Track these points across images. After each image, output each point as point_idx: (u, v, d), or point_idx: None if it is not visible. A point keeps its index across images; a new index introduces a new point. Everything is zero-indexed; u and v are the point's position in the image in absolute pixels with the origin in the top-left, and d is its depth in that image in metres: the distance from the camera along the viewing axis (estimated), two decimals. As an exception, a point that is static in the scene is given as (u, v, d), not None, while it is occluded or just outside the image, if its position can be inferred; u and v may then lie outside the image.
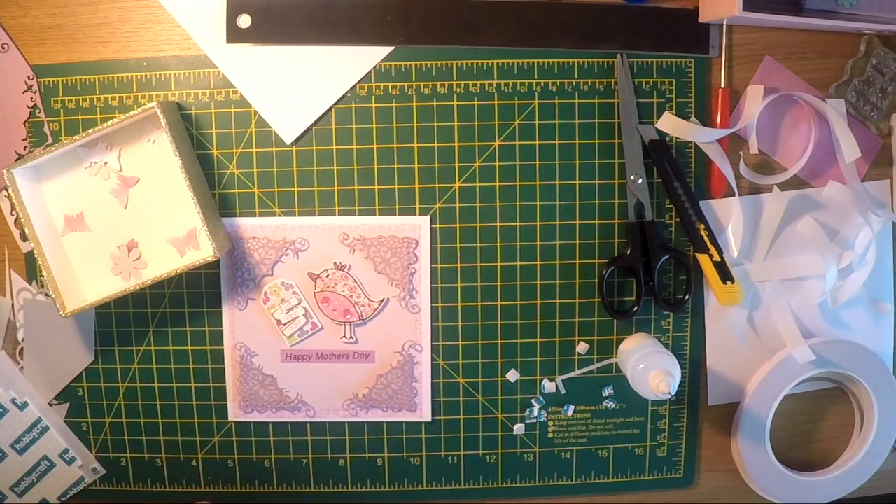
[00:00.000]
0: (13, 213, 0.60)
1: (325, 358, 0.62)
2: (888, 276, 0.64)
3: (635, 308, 0.61)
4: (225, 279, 0.61)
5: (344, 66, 0.59)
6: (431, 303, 0.61)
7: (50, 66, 0.59)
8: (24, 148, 0.60)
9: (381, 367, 0.62)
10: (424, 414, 0.63)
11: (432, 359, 0.62)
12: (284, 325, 0.61)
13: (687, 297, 0.61)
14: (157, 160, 0.58)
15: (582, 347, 0.62)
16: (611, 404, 0.63)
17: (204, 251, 0.58)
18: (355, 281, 0.61)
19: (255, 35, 0.59)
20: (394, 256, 0.61)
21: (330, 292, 0.61)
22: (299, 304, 0.61)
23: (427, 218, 0.61)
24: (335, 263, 0.61)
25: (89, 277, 0.59)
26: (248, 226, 0.60)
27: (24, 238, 0.60)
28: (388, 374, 0.62)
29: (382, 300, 0.61)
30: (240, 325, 0.61)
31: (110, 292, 0.56)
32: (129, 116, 0.55)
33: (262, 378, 0.62)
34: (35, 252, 0.56)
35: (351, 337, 0.62)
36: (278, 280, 0.61)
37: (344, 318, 0.61)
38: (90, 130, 0.55)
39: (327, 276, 0.61)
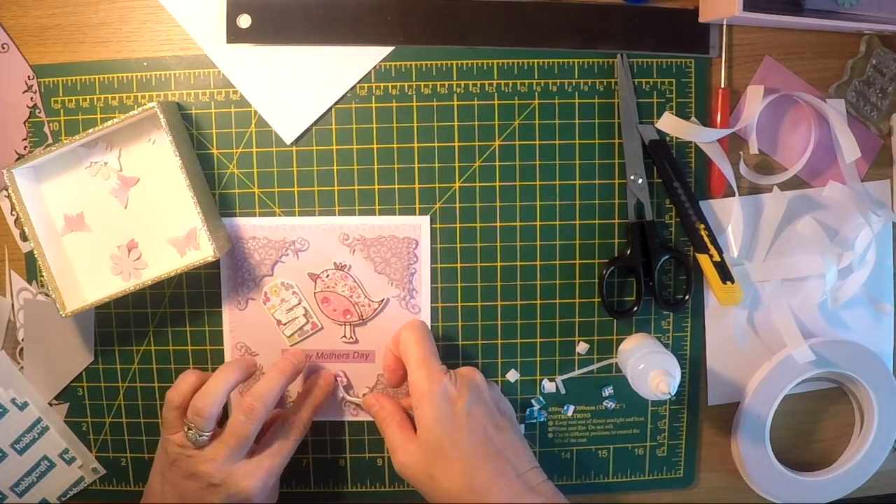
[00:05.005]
0: (13, 213, 0.60)
1: (325, 358, 0.62)
2: (888, 276, 0.64)
3: (635, 308, 0.61)
4: (225, 279, 0.61)
5: (344, 66, 0.59)
6: (431, 303, 0.61)
7: (50, 66, 0.59)
8: (24, 148, 0.60)
9: (381, 367, 0.62)
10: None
11: (432, 359, 0.62)
12: (284, 325, 0.61)
13: (687, 297, 0.61)
14: (157, 160, 0.58)
15: (582, 347, 0.62)
16: (611, 404, 0.63)
17: (204, 251, 0.58)
18: (355, 281, 0.61)
19: (255, 35, 0.59)
20: (394, 256, 0.61)
21: (330, 292, 0.61)
22: (299, 304, 0.61)
23: (427, 218, 0.61)
24: (335, 263, 0.61)
25: (89, 277, 0.59)
26: (248, 226, 0.60)
27: (24, 238, 0.60)
28: None
29: (382, 300, 0.61)
30: (240, 325, 0.61)
31: (110, 292, 0.56)
32: (129, 116, 0.55)
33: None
34: (35, 252, 0.56)
35: (351, 337, 0.62)
36: (278, 280, 0.61)
37: (344, 318, 0.61)
38: (90, 130, 0.55)
39: (327, 276, 0.61)
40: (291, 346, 0.62)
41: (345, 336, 0.62)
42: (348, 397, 0.61)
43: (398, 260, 0.61)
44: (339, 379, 0.62)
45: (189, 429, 0.54)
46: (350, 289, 0.61)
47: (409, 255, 0.61)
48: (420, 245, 0.61)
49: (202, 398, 0.54)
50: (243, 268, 0.61)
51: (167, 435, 0.56)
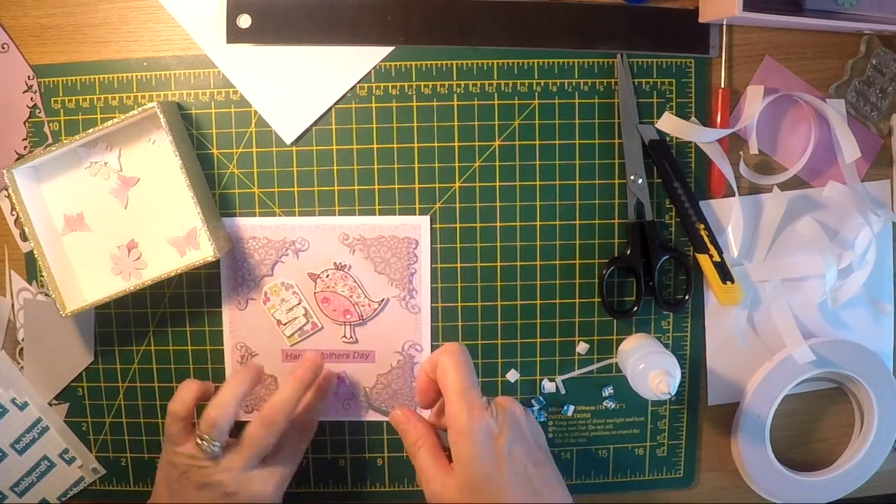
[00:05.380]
0: (13, 213, 0.60)
1: (325, 358, 0.62)
2: (888, 276, 0.64)
3: (635, 308, 0.61)
4: (225, 279, 0.61)
5: (344, 66, 0.59)
6: (431, 303, 0.61)
7: (50, 66, 0.59)
8: (24, 148, 0.60)
9: (381, 366, 0.62)
10: (424, 414, 0.62)
11: (432, 359, 0.62)
12: (284, 325, 0.61)
13: (687, 297, 0.61)
14: (157, 160, 0.58)
15: (582, 347, 0.62)
16: (611, 404, 0.63)
17: (204, 251, 0.58)
18: (355, 281, 0.61)
19: (255, 35, 0.59)
20: (394, 256, 0.61)
21: (330, 292, 0.61)
22: (299, 304, 0.61)
23: (427, 218, 0.61)
24: (335, 263, 0.61)
25: (89, 277, 0.59)
26: (248, 226, 0.60)
27: (24, 238, 0.60)
28: (389, 374, 0.62)
29: (382, 300, 0.61)
30: (240, 325, 0.61)
31: (110, 292, 0.56)
32: (129, 116, 0.55)
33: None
34: (35, 252, 0.56)
35: (351, 337, 0.62)
36: (278, 280, 0.61)
37: (344, 318, 0.61)
38: (90, 130, 0.55)
39: (327, 276, 0.61)
40: (291, 346, 0.62)
41: (345, 336, 0.62)
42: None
43: (398, 260, 0.61)
44: (341, 377, 0.62)
45: (203, 440, 0.52)
46: (350, 289, 0.61)
47: (409, 255, 0.61)
48: (420, 245, 0.61)
49: (217, 409, 0.53)
50: (243, 268, 0.61)
51: (173, 448, 0.54)
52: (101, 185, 0.59)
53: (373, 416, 0.63)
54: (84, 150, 0.58)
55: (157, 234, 0.59)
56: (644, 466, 0.64)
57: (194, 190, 0.55)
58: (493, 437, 0.48)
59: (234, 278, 0.61)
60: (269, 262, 0.61)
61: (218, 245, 0.56)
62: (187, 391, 0.55)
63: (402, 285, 0.61)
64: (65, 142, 0.56)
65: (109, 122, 0.55)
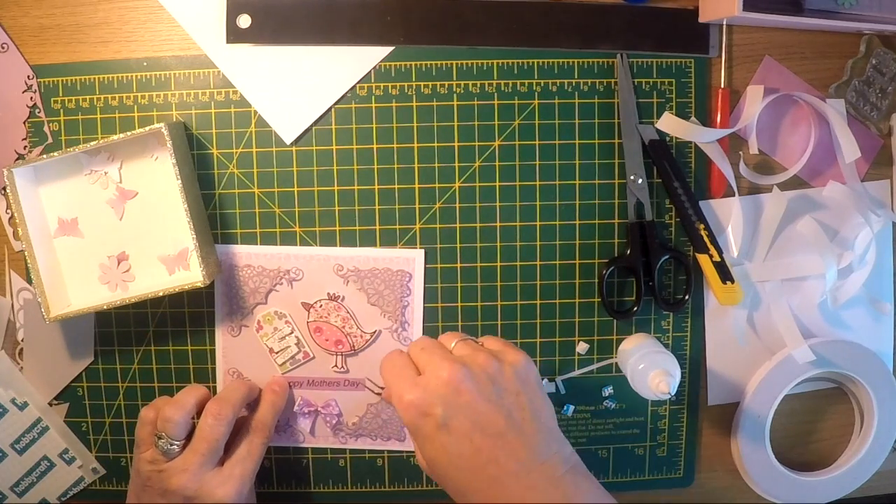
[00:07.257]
0: (7, 210, 0.60)
1: (315, 386, 0.62)
2: (888, 276, 0.64)
3: (635, 308, 0.61)
4: (219, 305, 0.61)
5: (344, 66, 0.59)
6: (429, 302, 0.61)
7: (50, 66, 0.59)
8: (24, 148, 0.60)
9: (372, 396, 0.62)
10: (412, 443, 0.62)
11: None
12: (277, 353, 0.61)
13: (687, 297, 0.61)
14: (158, 178, 0.58)
15: (582, 347, 0.62)
16: (611, 404, 0.63)
17: (193, 273, 0.58)
18: (348, 312, 0.61)
19: (255, 35, 0.59)
20: (387, 289, 0.61)
21: (322, 322, 0.61)
22: (292, 333, 0.61)
23: (421, 252, 0.60)
24: (329, 294, 0.61)
25: (76, 283, 0.59)
26: (244, 253, 0.60)
27: (16, 237, 0.60)
28: (379, 403, 0.62)
29: (374, 332, 0.61)
30: (232, 351, 0.61)
31: (95, 301, 0.57)
32: (135, 133, 0.55)
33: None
34: (25, 252, 0.56)
35: (342, 367, 0.61)
36: (272, 309, 0.61)
37: (336, 347, 0.61)
38: (93, 144, 0.55)
39: (320, 306, 0.61)
40: (283, 374, 0.61)
41: (336, 366, 0.61)
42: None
43: (391, 292, 0.61)
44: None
45: (160, 438, 0.53)
46: (343, 319, 0.61)
47: (402, 287, 0.61)
48: (413, 278, 0.61)
49: (171, 406, 0.54)
50: (238, 295, 0.61)
51: (139, 454, 0.55)
52: (99, 194, 0.59)
53: (362, 444, 0.63)
54: (86, 157, 0.58)
55: (149, 250, 0.59)
56: (644, 466, 0.64)
57: (191, 213, 0.55)
58: (424, 416, 0.45)
59: (229, 304, 0.61)
60: (263, 290, 0.61)
61: (208, 271, 0.56)
62: (160, 399, 0.58)
63: (394, 317, 0.61)
64: (69, 150, 0.55)
65: (115, 137, 0.55)
